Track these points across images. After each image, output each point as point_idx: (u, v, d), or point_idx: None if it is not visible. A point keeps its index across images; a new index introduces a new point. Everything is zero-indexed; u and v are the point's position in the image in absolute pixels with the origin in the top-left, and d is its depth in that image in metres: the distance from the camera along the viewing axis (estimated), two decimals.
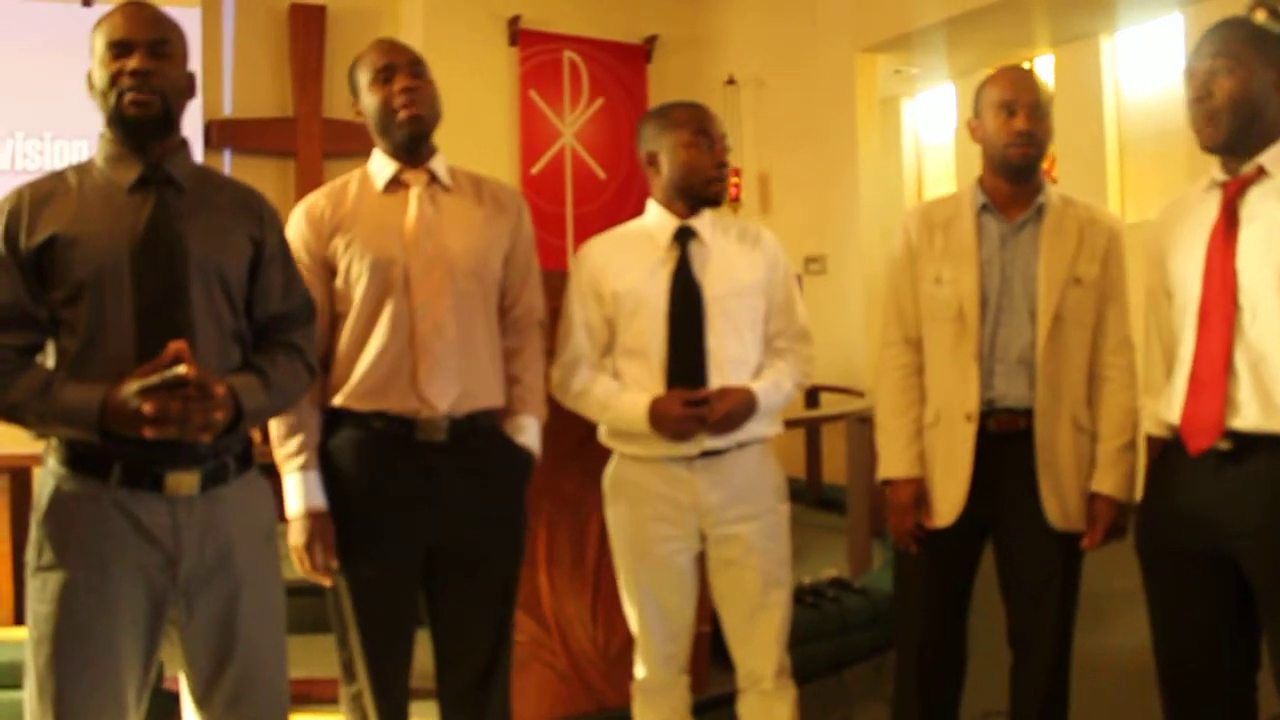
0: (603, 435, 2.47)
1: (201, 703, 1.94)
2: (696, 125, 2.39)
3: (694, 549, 2.41)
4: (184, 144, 1.97)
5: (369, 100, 2.27)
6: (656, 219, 2.44)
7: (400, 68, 2.24)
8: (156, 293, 1.84)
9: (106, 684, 1.82)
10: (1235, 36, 2.08)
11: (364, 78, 2.27)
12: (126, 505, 1.83)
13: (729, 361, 2.35)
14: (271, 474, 2.24)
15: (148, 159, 1.90)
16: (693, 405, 2.28)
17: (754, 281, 2.41)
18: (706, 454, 2.35)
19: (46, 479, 1.86)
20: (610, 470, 2.48)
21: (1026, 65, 7.25)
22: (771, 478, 2.46)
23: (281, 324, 2.02)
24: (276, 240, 2.04)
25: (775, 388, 2.38)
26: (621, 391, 2.38)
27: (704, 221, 2.43)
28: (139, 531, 1.84)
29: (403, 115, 2.23)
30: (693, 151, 2.38)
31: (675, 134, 2.40)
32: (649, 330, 2.37)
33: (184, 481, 1.86)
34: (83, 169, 1.92)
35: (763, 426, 2.41)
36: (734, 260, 2.41)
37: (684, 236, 2.40)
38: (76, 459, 1.84)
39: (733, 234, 2.47)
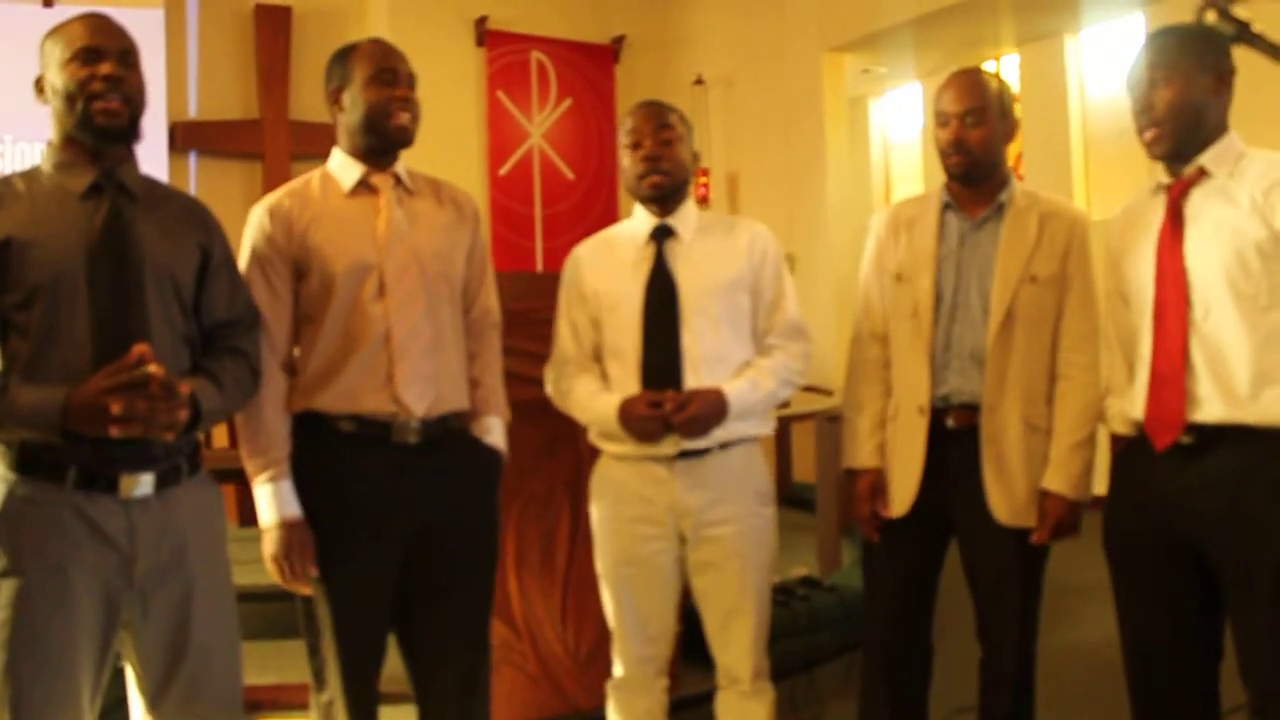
0: (591, 434, 2.47)
1: (153, 703, 1.94)
2: (629, 126, 2.43)
3: (674, 550, 2.39)
4: (132, 154, 1.99)
5: (361, 95, 2.24)
6: (639, 219, 2.45)
7: (403, 78, 2.26)
8: (113, 296, 1.86)
9: (64, 688, 1.82)
10: (1168, 46, 2.11)
11: (362, 73, 2.24)
12: (82, 508, 1.83)
13: (705, 360, 2.33)
14: (224, 477, 2.22)
15: (102, 166, 1.91)
16: (657, 407, 2.27)
17: (734, 278, 2.39)
18: (686, 454, 2.32)
19: None
20: (596, 469, 2.47)
21: (993, 64, 7.34)
22: (756, 480, 2.41)
23: (227, 329, 2.05)
24: (222, 248, 2.07)
25: (753, 387, 2.34)
26: (600, 392, 2.38)
27: (685, 219, 2.42)
28: (95, 534, 1.84)
29: (397, 121, 2.23)
30: (628, 155, 2.42)
31: (621, 141, 2.45)
32: (625, 330, 2.36)
33: (139, 483, 1.87)
34: (30, 175, 1.93)
35: (750, 426, 2.38)
36: (713, 257, 2.40)
37: (660, 235, 2.41)
38: (28, 463, 1.83)
39: (718, 231, 2.46)
